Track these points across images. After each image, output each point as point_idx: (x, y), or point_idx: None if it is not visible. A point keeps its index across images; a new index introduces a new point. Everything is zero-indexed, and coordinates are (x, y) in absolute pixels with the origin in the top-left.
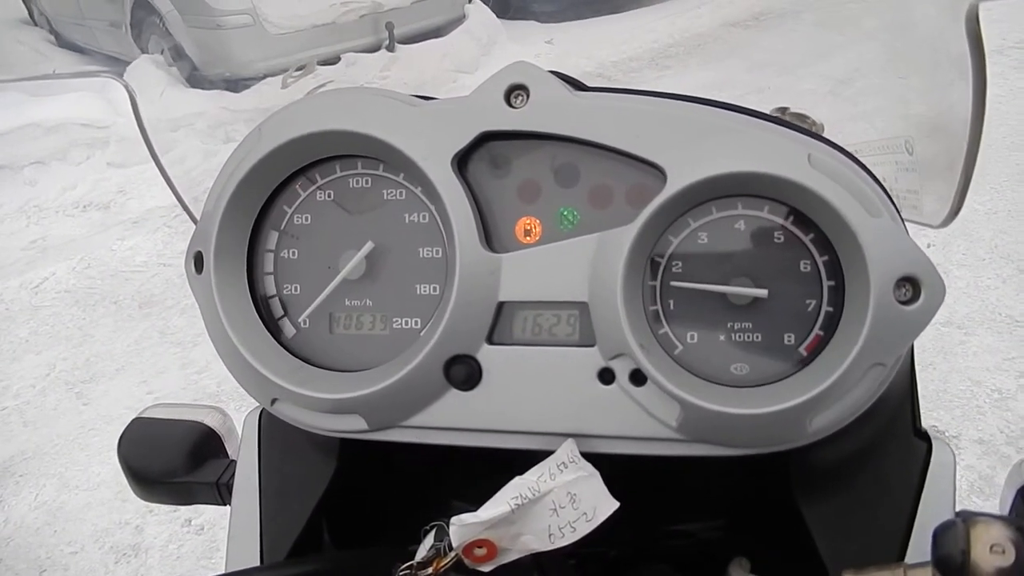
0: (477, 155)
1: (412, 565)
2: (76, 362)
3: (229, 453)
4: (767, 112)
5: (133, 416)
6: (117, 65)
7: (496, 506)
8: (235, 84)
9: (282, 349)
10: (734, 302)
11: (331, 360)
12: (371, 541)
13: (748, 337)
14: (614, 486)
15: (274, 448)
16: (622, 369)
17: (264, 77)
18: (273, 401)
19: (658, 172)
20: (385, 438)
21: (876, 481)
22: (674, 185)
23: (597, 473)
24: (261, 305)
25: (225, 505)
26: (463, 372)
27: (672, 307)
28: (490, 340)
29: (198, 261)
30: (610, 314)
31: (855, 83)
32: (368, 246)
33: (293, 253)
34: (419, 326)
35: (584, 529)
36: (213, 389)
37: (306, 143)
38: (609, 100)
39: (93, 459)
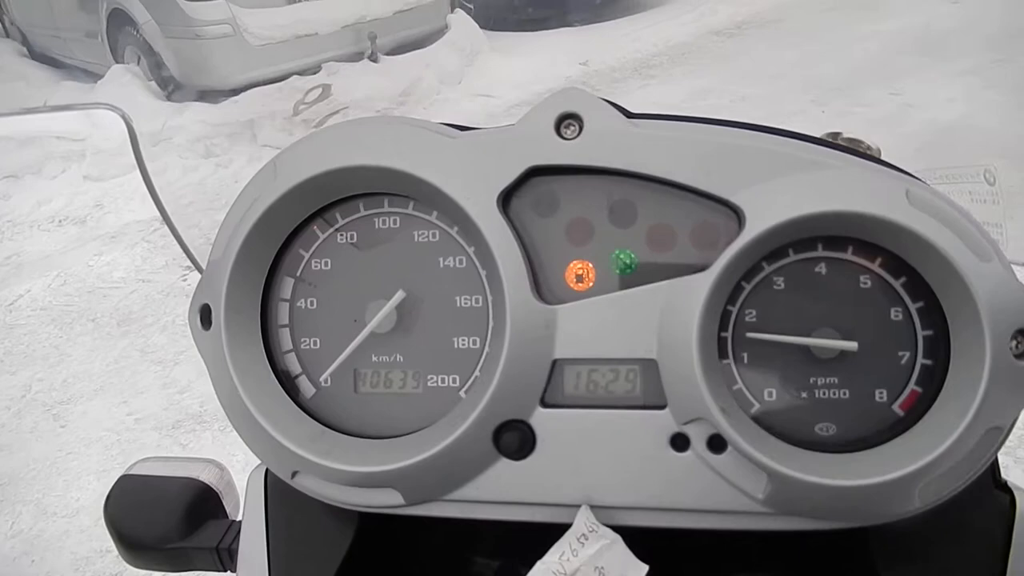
0: (522, 192)
1: None
2: (53, 383)
3: (229, 512)
4: (821, 137)
5: (117, 462)
6: (91, 77)
7: None
8: (215, 96)
9: (301, 412)
10: (818, 355)
11: (357, 424)
12: None
13: (834, 394)
14: (640, 545)
15: (283, 510)
16: (698, 435)
17: (246, 89)
18: (294, 474)
19: (729, 211)
20: (424, 513)
21: (959, 540)
22: (755, 228)
23: (619, 538)
24: (276, 362)
25: (226, 571)
26: (516, 440)
27: (746, 361)
28: (543, 402)
29: (205, 315)
30: (685, 374)
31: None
32: (399, 295)
33: (311, 303)
34: (458, 384)
35: None
36: (196, 409)
37: (328, 180)
38: (671, 130)
39: (72, 484)
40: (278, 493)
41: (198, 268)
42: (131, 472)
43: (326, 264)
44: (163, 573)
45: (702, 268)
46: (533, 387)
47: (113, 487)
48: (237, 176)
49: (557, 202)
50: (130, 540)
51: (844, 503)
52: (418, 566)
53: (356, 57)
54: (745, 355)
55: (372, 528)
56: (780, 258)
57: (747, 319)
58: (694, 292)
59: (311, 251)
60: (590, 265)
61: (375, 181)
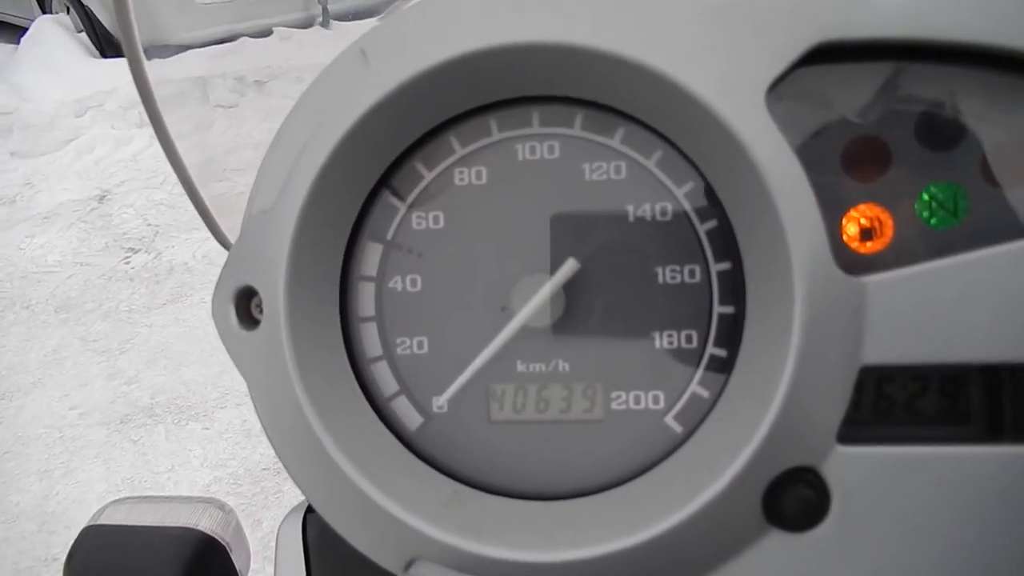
0: (783, 88)
1: None
2: None
3: (239, 570)
4: None
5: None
6: (11, 32)
7: None
8: (156, 54)
9: (418, 459)
10: None
11: (493, 473)
12: None
13: None
14: None
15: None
16: None
17: (188, 49)
18: (410, 564)
19: None
20: None
21: None
22: None
23: None
24: (363, 378)
25: None
26: (799, 501)
27: None
28: (842, 438)
29: (243, 306)
30: None
31: None
32: (569, 266)
33: (413, 282)
34: (661, 405)
35: None
36: (146, 402)
37: (462, 74)
38: None
39: (10, 487)
40: (327, 551)
41: (220, 240)
42: (99, 521)
43: (437, 220)
44: None
45: None
46: (829, 412)
47: (75, 544)
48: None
49: (830, 106)
50: None
51: None
52: None
53: (307, 22)
54: None
55: None
56: None
57: None
58: None
59: (411, 199)
60: (885, 212)
61: (532, 77)
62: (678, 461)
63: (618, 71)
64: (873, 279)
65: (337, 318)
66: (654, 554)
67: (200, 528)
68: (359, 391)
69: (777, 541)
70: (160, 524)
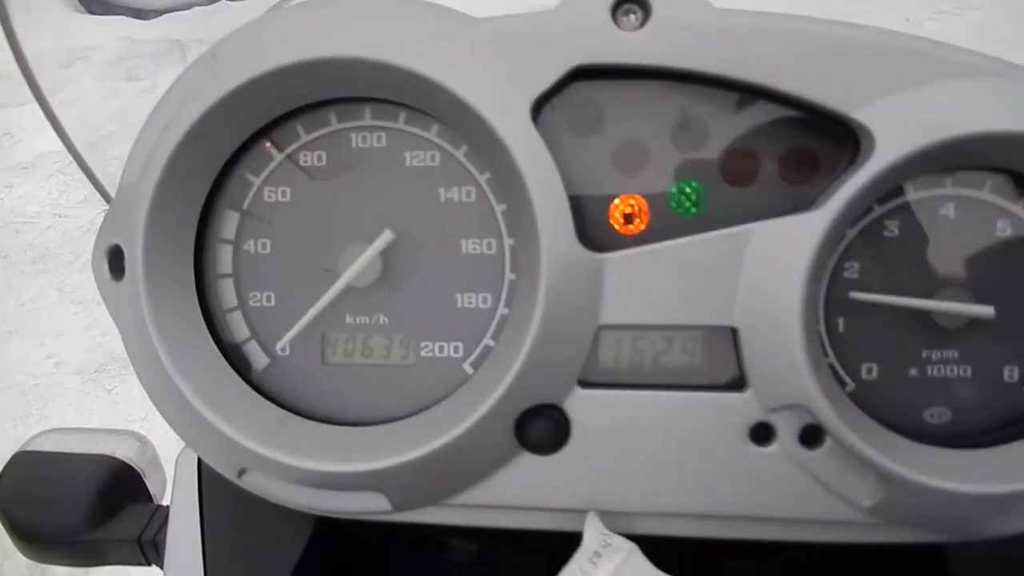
0: (557, 102)
1: None
2: None
3: (154, 495)
4: None
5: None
6: None
7: None
8: (141, 14)
9: (251, 391)
10: (940, 323)
11: (327, 406)
12: None
13: (952, 371)
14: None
15: (224, 498)
16: (788, 425)
17: (171, 10)
18: (241, 472)
19: (844, 132)
20: (417, 520)
21: None
22: (888, 154)
23: (636, 547)
24: (216, 324)
25: (149, 566)
26: (545, 430)
27: (842, 329)
28: (582, 381)
29: (115, 260)
30: (780, 347)
31: None
32: (385, 237)
33: (264, 246)
34: (460, 354)
35: None
36: (121, 352)
37: (290, 78)
38: (771, 21)
39: None
40: (217, 477)
41: (105, 196)
42: (29, 448)
43: (284, 194)
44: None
45: (792, 209)
46: (570, 362)
47: (6, 467)
48: None
49: (602, 117)
50: (29, 532)
51: (973, 514)
52: (387, 556)
53: None
54: (841, 321)
55: (336, 521)
56: (896, 196)
57: (847, 275)
58: (799, 238)
59: (264, 176)
60: (643, 201)
61: (355, 81)
62: (458, 396)
63: (412, 80)
64: (610, 256)
65: (191, 275)
66: (430, 466)
67: (117, 456)
68: (210, 337)
69: (528, 461)
70: (82, 451)
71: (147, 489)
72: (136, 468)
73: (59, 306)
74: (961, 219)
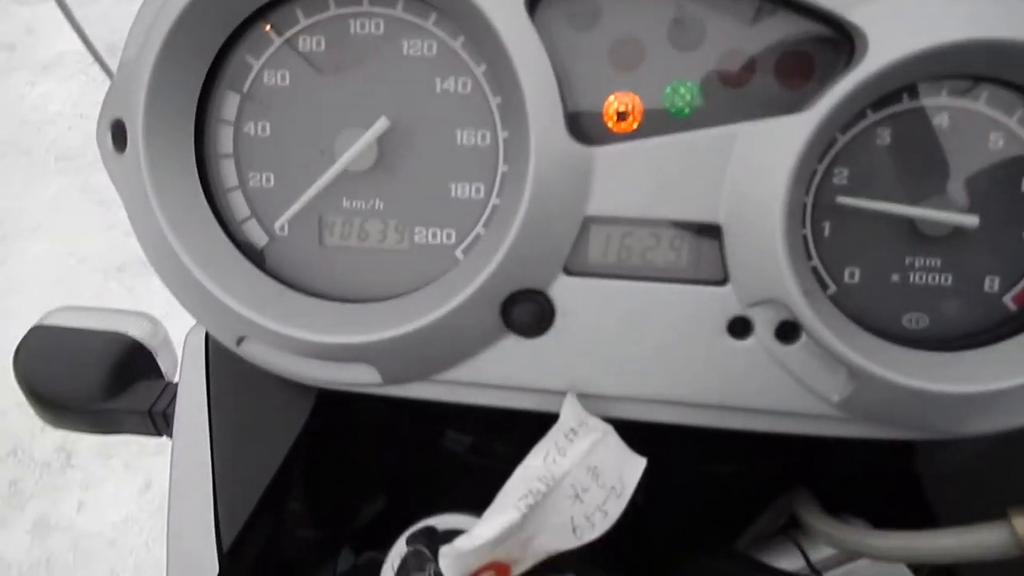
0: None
1: None
2: None
3: (165, 373)
4: None
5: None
6: None
7: (500, 514)
8: None
9: (250, 264)
10: (924, 231)
11: (323, 283)
12: (353, 502)
13: (933, 279)
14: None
15: (229, 375)
16: (766, 320)
17: None
18: (240, 340)
19: (840, 35)
20: (404, 395)
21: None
22: (880, 57)
23: (611, 429)
24: (218, 202)
25: (160, 436)
26: (530, 314)
27: (827, 233)
28: (568, 270)
29: (118, 133)
30: (761, 245)
31: None
32: (381, 123)
33: (263, 128)
34: (452, 241)
35: (616, 509)
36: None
37: None
38: None
39: (12, 321)
40: (222, 355)
41: (106, 71)
42: (46, 323)
43: (283, 78)
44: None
45: (786, 111)
46: (556, 250)
47: (24, 338)
48: None
49: (599, 12)
50: (47, 400)
51: (939, 413)
52: (383, 438)
53: None
54: (827, 225)
55: (335, 399)
56: (891, 104)
57: (835, 181)
58: (785, 140)
59: (263, 59)
60: (637, 99)
61: None
62: (448, 278)
63: None
64: (600, 149)
65: (192, 154)
66: (419, 342)
67: (130, 334)
68: (211, 213)
69: (512, 343)
70: (96, 328)
71: (159, 367)
72: (148, 347)
73: (81, 205)
74: (954, 130)
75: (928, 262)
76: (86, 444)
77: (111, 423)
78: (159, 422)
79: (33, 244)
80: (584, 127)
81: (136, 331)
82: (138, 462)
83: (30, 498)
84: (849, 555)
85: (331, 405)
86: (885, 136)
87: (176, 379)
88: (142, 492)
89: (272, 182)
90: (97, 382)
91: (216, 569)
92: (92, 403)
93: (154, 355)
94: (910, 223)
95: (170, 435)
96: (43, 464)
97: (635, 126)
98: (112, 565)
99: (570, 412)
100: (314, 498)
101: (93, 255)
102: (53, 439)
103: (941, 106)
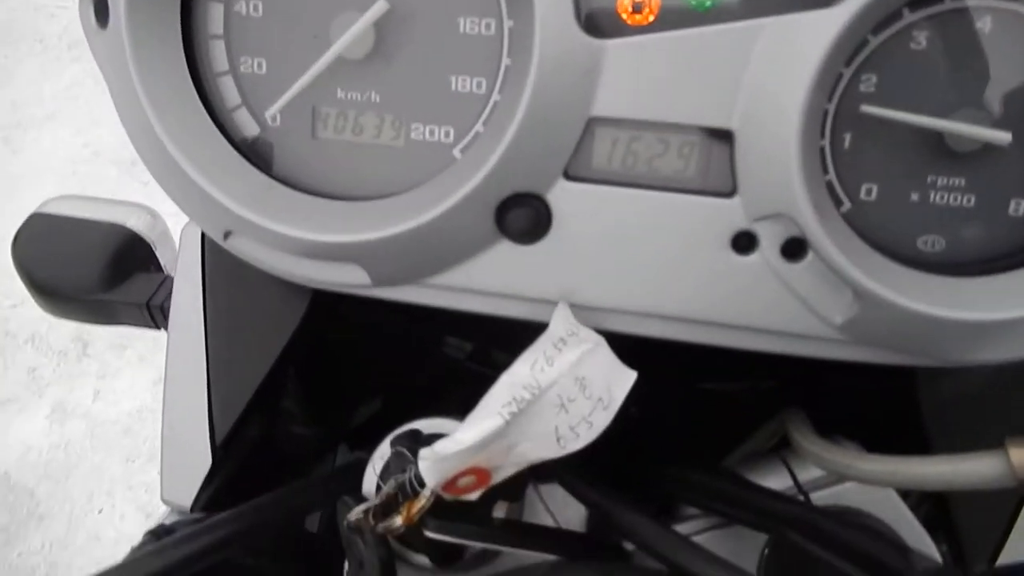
0: None
1: (370, 512)
2: (0, 103)
3: (164, 266)
4: None
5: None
6: None
7: (483, 420)
8: None
9: (238, 155)
10: (952, 146)
11: (314, 178)
12: (350, 402)
13: (955, 199)
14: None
15: (225, 270)
16: (772, 235)
17: None
18: (227, 235)
19: None
20: (393, 297)
21: None
22: None
23: (603, 340)
24: (206, 87)
25: (158, 329)
26: (525, 219)
27: (847, 145)
28: (567, 174)
29: (100, 6)
30: (775, 154)
31: None
32: (379, 7)
33: (255, 8)
34: (451, 139)
35: (603, 421)
36: None
37: None
38: None
39: (26, 211)
40: (217, 249)
41: None
42: (45, 210)
43: None
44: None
45: (815, 6)
46: (557, 152)
47: (23, 225)
48: None
49: None
50: (46, 287)
51: (948, 340)
52: (382, 343)
53: None
54: (848, 136)
55: (330, 299)
56: (928, 4)
57: (862, 88)
58: (811, 37)
59: None
60: None
61: None
62: (443, 178)
63: None
64: (612, 42)
65: (178, 32)
66: (409, 243)
67: (128, 226)
68: (198, 101)
69: (506, 249)
70: (95, 218)
71: (157, 260)
72: (147, 239)
73: (95, 95)
74: (996, 35)
75: (951, 181)
76: (100, 335)
77: (108, 314)
78: (156, 315)
79: (47, 133)
80: (596, 18)
81: (135, 223)
82: (152, 355)
83: (48, 385)
84: (837, 478)
85: (327, 306)
86: (921, 40)
87: (175, 273)
88: (156, 383)
89: (264, 68)
90: (95, 272)
91: (209, 461)
92: (89, 293)
93: (153, 248)
94: (937, 138)
95: (167, 328)
96: (60, 352)
97: (651, 19)
98: (128, 453)
99: (560, 321)
100: (311, 397)
101: (107, 148)
102: (69, 329)
103: (985, 7)
